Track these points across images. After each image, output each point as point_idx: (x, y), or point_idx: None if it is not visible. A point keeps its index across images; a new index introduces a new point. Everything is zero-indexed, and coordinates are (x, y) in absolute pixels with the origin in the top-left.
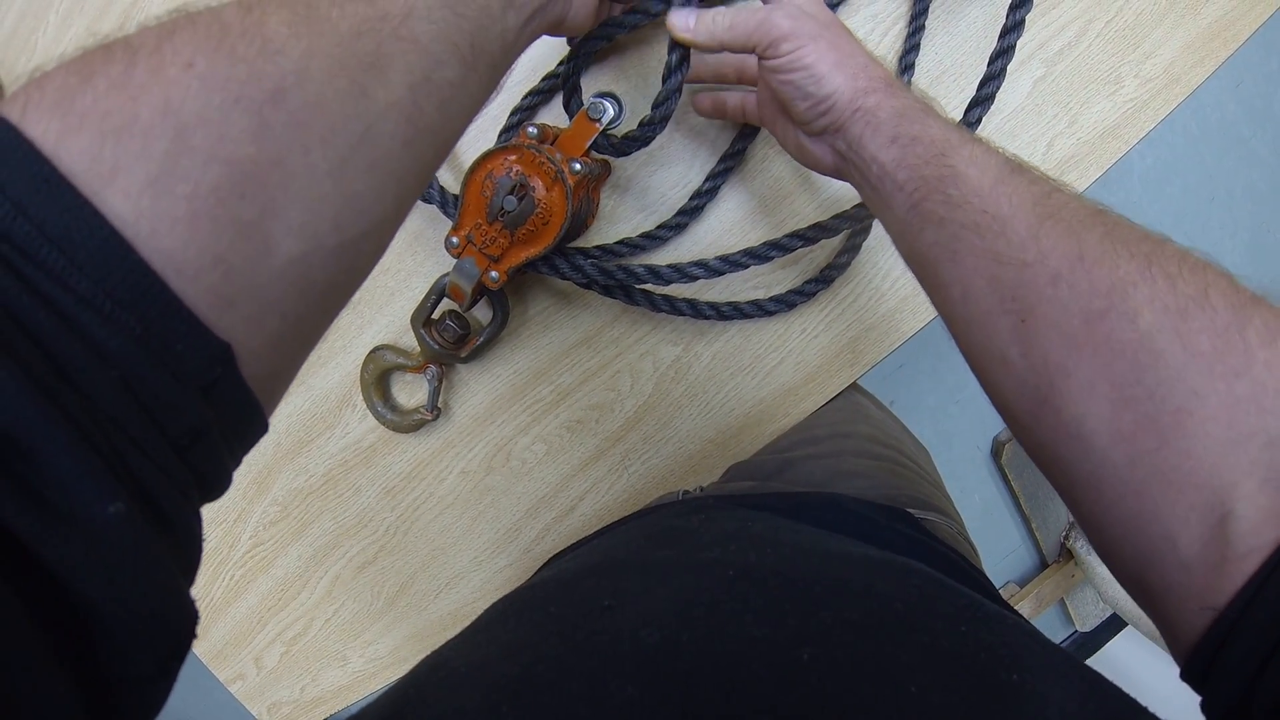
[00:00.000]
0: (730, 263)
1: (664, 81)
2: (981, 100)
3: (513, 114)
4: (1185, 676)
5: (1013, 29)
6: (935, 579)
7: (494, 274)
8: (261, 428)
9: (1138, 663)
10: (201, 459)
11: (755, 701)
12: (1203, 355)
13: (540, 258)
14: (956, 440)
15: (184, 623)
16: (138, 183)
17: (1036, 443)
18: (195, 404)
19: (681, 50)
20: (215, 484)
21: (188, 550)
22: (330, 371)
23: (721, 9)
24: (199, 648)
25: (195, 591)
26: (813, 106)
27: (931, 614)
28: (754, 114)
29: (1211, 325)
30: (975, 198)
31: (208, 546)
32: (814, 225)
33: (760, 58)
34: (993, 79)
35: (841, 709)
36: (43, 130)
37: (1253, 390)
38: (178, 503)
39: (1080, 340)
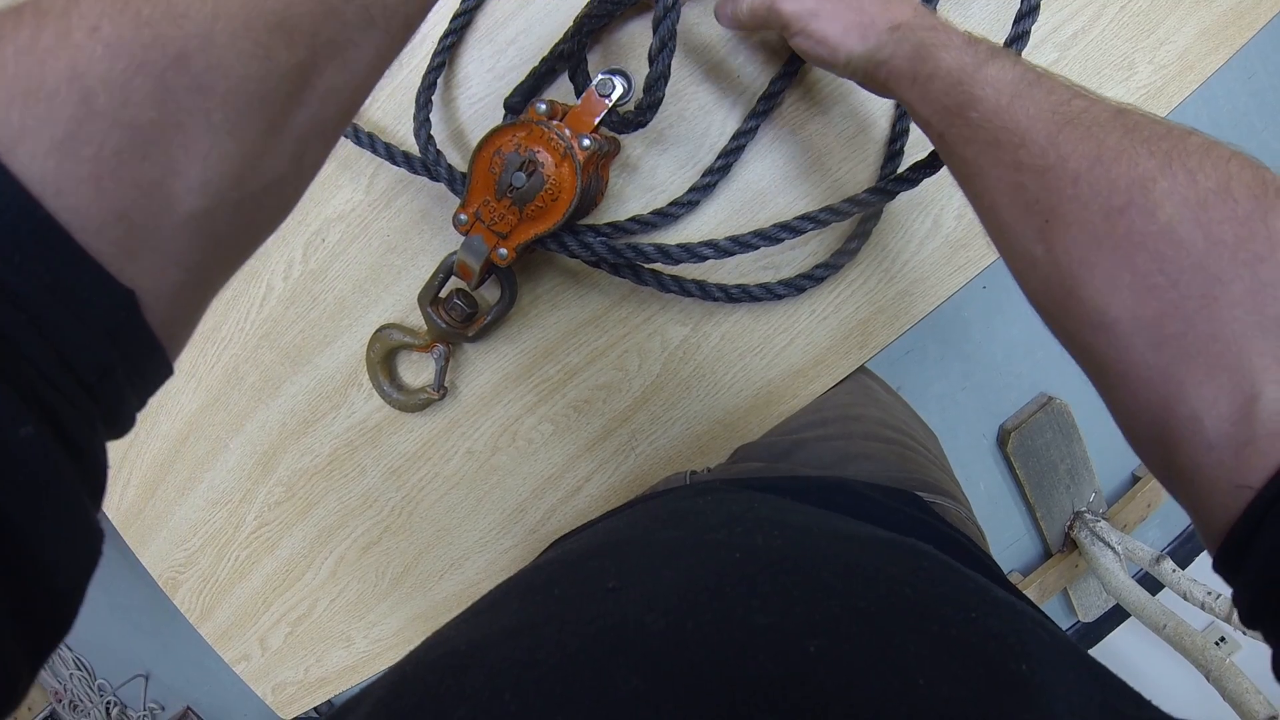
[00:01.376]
0: (740, 243)
1: (650, 63)
2: None
3: (515, 93)
4: (1218, 565)
5: (1027, 14)
6: (944, 562)
7: (503, 251)
8: (166, 369)
9: (1139, 654)
10: (108, 395)
11: (761, 697)
12: (1225, 244)
13: (549, 235)
14: (962, 428)
15: (92, 542)
16: (44, 145)
17: (1066, 333)
18: (101, 345)
19: (668, 24)
20: (120, 420)
21: (95, 477)
22: (336, 351)
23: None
24: (204, 629)
25: (199, 570)
26: (840, 73)
27: (941, 599)
28: (758, 12)
29: (1233, 215)
30: (994, 116)
31: (213, 528)
32: (825, 208)
33: (787, 31)
34: None
35: (849, 704)
36: None
37: (1278, 275)
38: (85, 433)
39: (1101, 235)
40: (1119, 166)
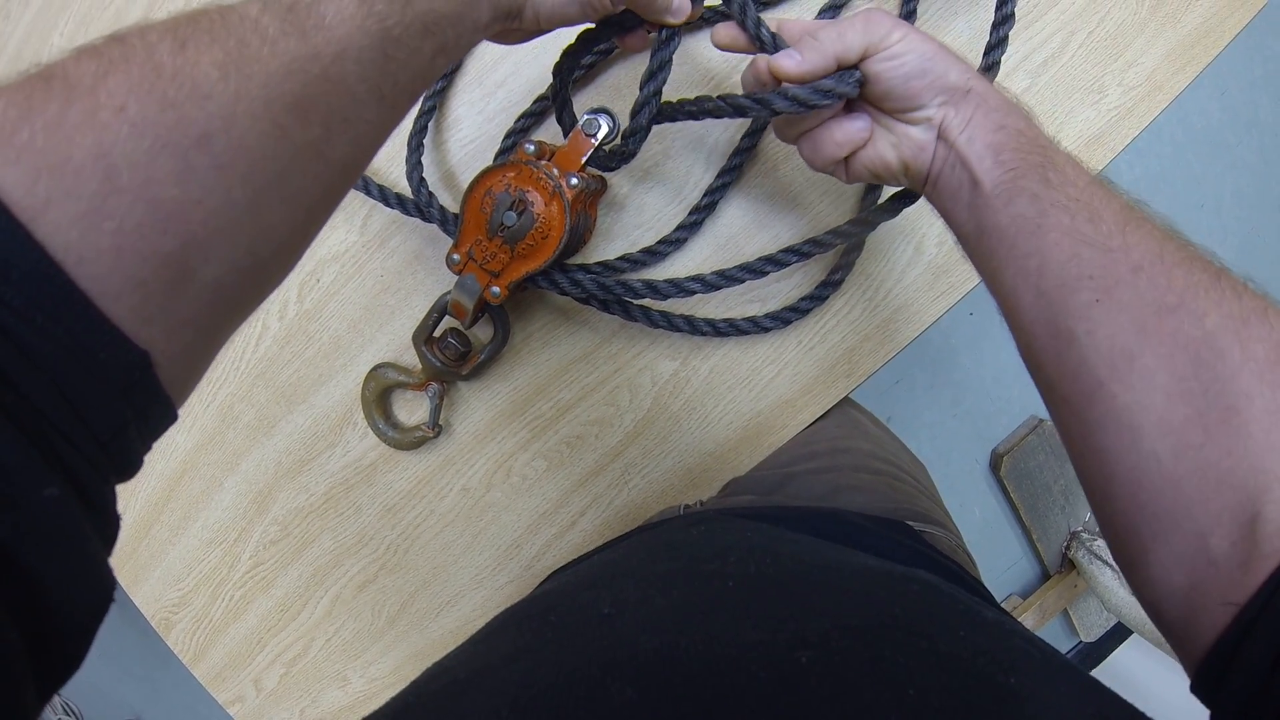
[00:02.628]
0: (726, 277)
1: (641, 87)
2: None
3: (507, 136)
4: (1196, 686)
5: (997, 45)
6: (933, 585)
7: (495, 289)
8: (172, 417)
9: (1144, 671)
10: (120, 449)
11: (754, 703)
12: (1257, 361)
13: (540, 272)
14: (955, 454)
15: (105, 590)
16: (68, 217)
17: (1084, 429)
18: (116, 404)
19: (661, 56)
20: (128, 468)
21: (108, 528)
22: (331, 390)
23: (812, 29)
24: (198, 670)
25: (194, 610)
26: (932, 83)
27: (929, 619)
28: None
29: (1269, 336)
30: (1070, 186)
31: (208, 567)
32: (808, 240)
33: (866, 59)
34: None
35: (841, 711)
36: None
37: None
38: (101, 488)
39: (1150, 329)
40: (1178, 270)
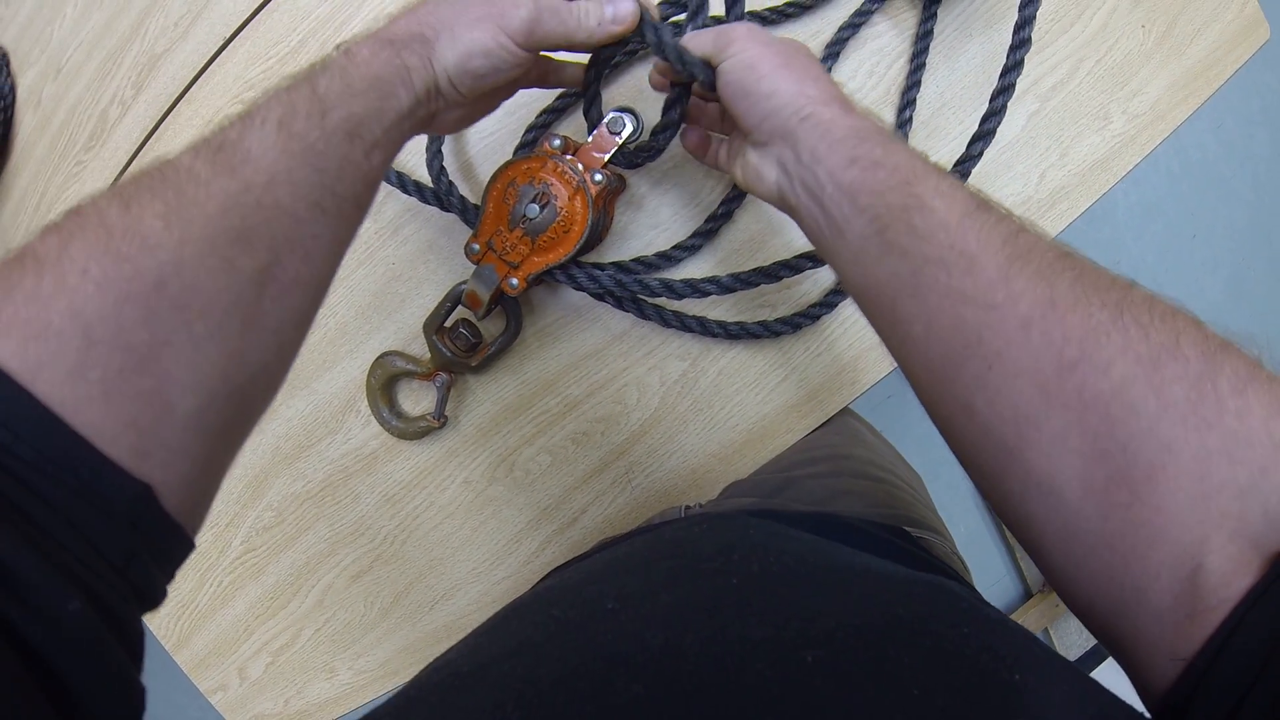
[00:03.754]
0: (742, 280)
1: (663, 113)
2: (983, 135)
3: (528, 131)
4: None
5: (1013, 68)
6: (937, 584)
7: (513, 281)
8: (187, 547)
9: (1121, 692)
10: (136, 575)
11: (760, 702)
12: (1175, 406)
13: (559, 266)
14: (943, 470)
15: (133, 695)
16: (59, 375)
17: (1002, 497)
18: (125, 534)
19: (680, 88)
20: (150, 595)
21: (133, 642)
22: (335, 376)
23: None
24: (180, 656)
25: (179, 596)
26: (754, 105)
27: (933, 617)
28: (714, 157)
29: (1184, 375)
30: (942, 231)
31: (196, 551)
32: None
33: (715, 71)
34: (994, 115)
35: (847, 711)
36: None
37: (1224, 442)
38: (121, 606)
39: (1051, 390)
40: (1073, 316)
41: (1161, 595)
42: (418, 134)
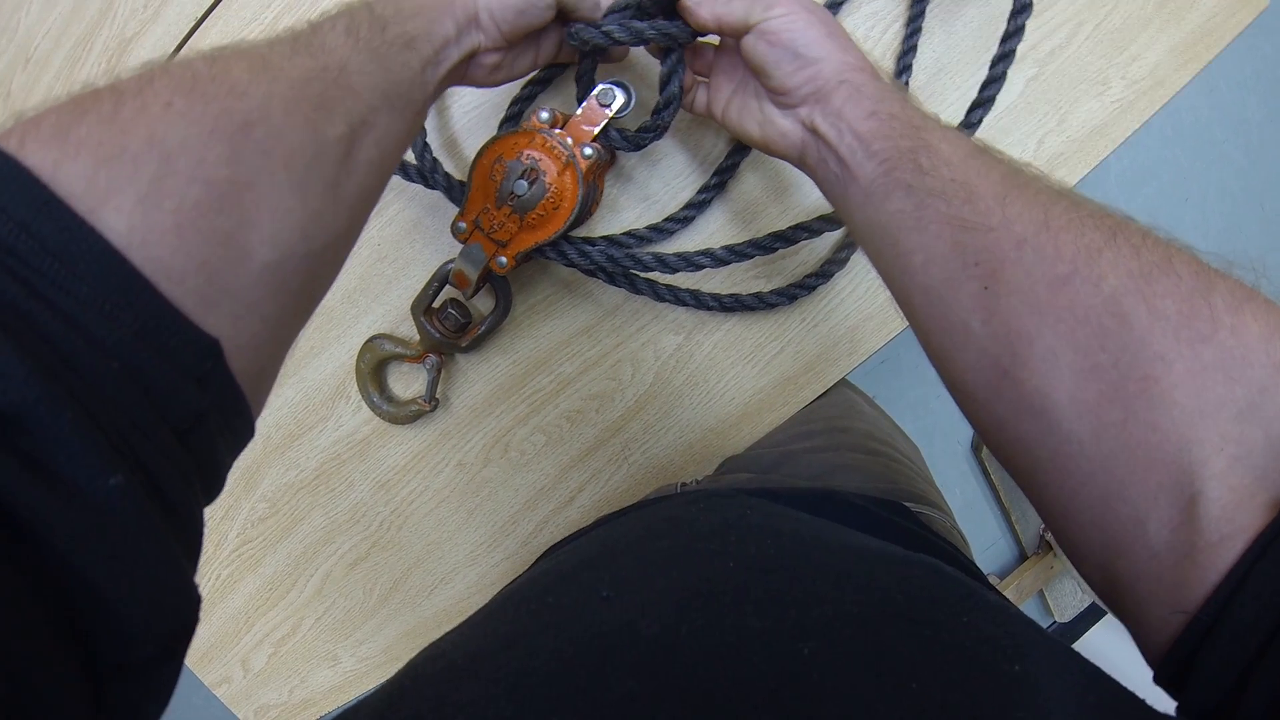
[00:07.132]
0: (736, 252)
1: (662, 89)
2: (983, 102)
3: (513, 104)
4: (1159, 680)
5: (1014, 34)
6: (935, 568)
7: (502, 259)
8: (249, 428)
9: (1116, 651)
10: (201, 445)
11: (757, 697)
12: (1168, 318)
13: (548, 243)
14: (937, 435)
15: (187, 604)
16: (130, 201)
17: (996, 421)
18: (192, 390)
19: (675, 56)
20: (212, 477)
21: (190, 536)
22: (323, 362)
23: None
24: None
25: None
26: (800, 69)
27: (933, 605)
28: (702, 104)
29: (1177, 290)
30: (945, 167)
31: None
32: (819, 218)
33: (747, 30)
34: (994, 81)
35: (843, 706)
36: (40, 159)
37: (1219, 356)
38: (179, 487)
39: (1044, 305)
40: (1066, 235)
41: (1160, 526)
42: (459, 80)
